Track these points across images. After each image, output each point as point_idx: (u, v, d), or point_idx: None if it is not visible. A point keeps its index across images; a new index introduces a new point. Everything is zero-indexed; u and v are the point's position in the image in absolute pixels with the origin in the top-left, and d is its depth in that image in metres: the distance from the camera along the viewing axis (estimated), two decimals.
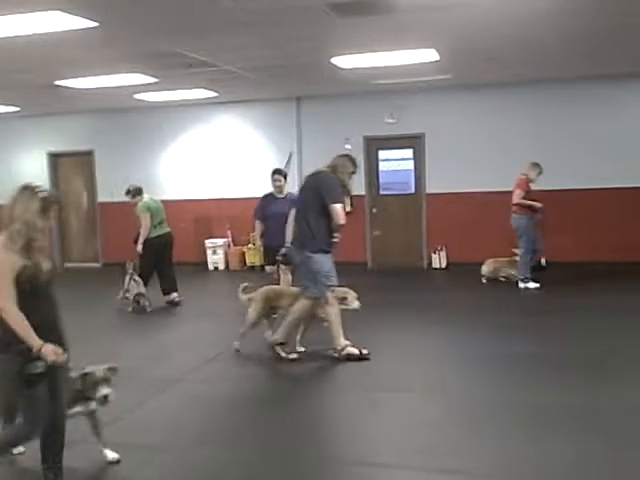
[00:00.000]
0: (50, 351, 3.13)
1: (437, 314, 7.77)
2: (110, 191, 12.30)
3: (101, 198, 12.89)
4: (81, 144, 12.84)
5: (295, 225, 6.00)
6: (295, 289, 6.30)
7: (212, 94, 10.59)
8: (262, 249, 8.01)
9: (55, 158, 13.18)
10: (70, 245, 13.45)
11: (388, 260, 11.35)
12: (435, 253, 11.23)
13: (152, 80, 8.86)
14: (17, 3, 4.92)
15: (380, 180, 11.65)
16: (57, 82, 8.79)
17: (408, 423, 4.50)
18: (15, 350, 3.11)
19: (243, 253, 11.83)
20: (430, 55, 7.77)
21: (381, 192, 11.65)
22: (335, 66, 8.22)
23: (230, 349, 6.40)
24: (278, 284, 7.58)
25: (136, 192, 8.94)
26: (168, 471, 3.87)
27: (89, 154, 12.84)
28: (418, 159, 11.34)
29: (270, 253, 7.73)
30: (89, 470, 3.87)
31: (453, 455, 3.91)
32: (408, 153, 11.48)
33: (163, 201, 12.25)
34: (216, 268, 12.01)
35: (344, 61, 7.97)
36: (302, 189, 5.95)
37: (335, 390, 5.32)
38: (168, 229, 9.03)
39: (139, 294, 8.54)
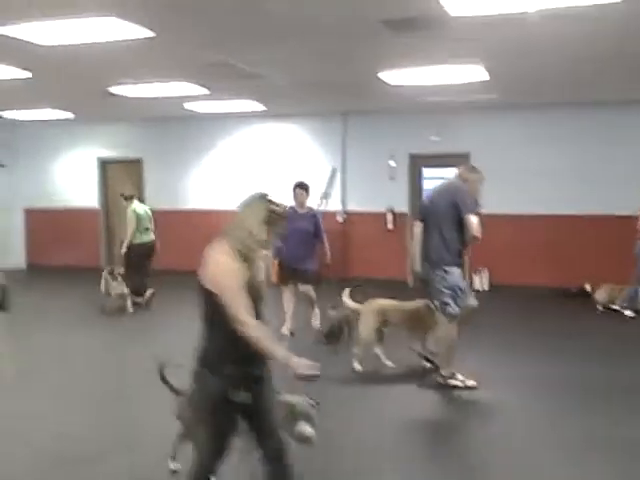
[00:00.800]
0: (303, 364, 2.80)
1: (485, 335, 7.64)
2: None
3: (148, 205, 13.13)
4: (131, 151, 13.13)
5: (424, 239, 5.69)
6: (408, 304, 6.08)
7: (260, 107, 10.73)
8: (278, 267, 7.67)
9: (105, 164, 13.50)
10: (116, 250, 13.68)
11: None
12: (477, 274, 11.10)
13: (203, 91, 9.02)
14: (74, 7, 5.05)
15: (423, 198, 11.59)
16: (110, 89, 9.02)
17: (481, 446, 4.47)
18: (225, 372, 2.88)
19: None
20: (479, 74, 7.74)
21: None
22: (382, 82, 8.25)
23: None
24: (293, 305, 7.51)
25: (128, 198, 9.44)
26: None
27: (138, 162, 13.11)
28: None
29: (287, 272, 7.49)
30: None
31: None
32: (453, 172, 11.40)
33: (209, 210, 12.53)
34: None
35: (392, 76, 7.98)
36: (431, 201, 5.71)
37: (396, 412, 5.27)
38: (152, 237, 9.44)
39: (122, 294, 8.92)
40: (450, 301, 5.45)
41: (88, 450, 4.40)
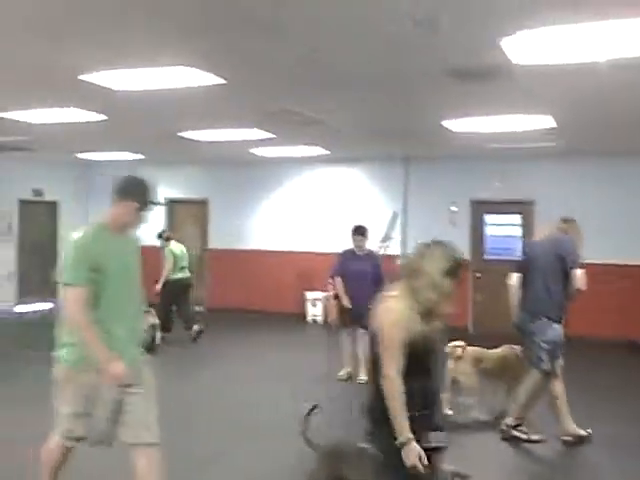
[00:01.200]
0: (414, 455, 2.66)
1: None
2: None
3: (211, 245, 13.42)
4: (197, 192, 13.50)
5: (522, 291, 5.60)
6: (496, 351, 6.06)
7: (323, 151, 10.90)
8: (339, 309, 7.61)
9: (172, 204, 13.89)
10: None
11: (490, 326, 11.04)
12: None
13: (269, 136, 9.24)
14: (154, 59, 5.32)
15: (485, 245, 11.47)
16: (180, 134, 9.34)
17: None
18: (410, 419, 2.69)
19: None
20: (545, 121, 7.69)
21: (486, 257, 11.45)
22: (446, 129, 8.28)
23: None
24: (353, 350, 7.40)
25: (166, 238, 10.24)
26: None
27: (203, 202, 13.46)
28: (527, 226, 11.10)
29: (349, 314, 7.34)
30: None
31: None
32: (516, 219, 11.27)
33: (272, 251, 12.74)
34: (315, 321, 12.10)
35: (456, 124, 8.02)
36: (533, 253, 5.64)
37: None
38: (189, 274, 10.20)
39: (154, 325, 9.31)
40: (545, 357, 5.32)
41: None
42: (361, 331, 7.37)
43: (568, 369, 7.93)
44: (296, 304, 12.34)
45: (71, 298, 3.37)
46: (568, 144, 9.52)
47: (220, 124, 8.58)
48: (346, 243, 7.52)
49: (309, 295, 12.21)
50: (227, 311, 12.63)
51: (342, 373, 7.43)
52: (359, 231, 7.51)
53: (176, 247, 10.13)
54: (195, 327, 9.90)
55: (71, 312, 3.39)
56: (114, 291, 3.46)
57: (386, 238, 11.70)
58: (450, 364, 5.98)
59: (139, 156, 12.23)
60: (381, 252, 10.77)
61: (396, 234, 11.81)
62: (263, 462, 4.91)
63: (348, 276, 7.38)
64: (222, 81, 6.01)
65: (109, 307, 3.44)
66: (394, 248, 11.73)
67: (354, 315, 7.35)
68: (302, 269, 12.47)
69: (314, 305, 12.16)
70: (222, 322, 11.86)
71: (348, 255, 7.52)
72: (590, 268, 10.33)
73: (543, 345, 5.30)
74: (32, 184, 13.22)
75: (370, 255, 7.59)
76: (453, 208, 11.40)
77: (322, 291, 12.14)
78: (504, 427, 5.52)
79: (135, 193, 3.68)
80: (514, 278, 5.70)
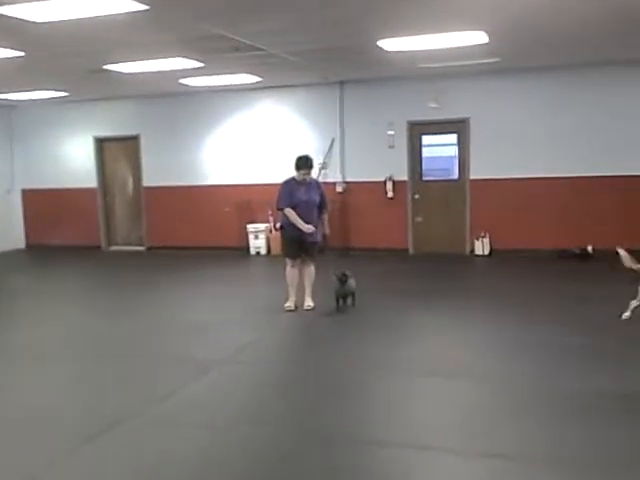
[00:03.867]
0: None
1: (481, 301, 7.70)
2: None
3: (146, 182, 13.08)
4: (127, 129, 13.02)
5: None
6: None
7: (256, 79, 10.63)
8: (284, 240, 7.55)
9: (101, 143, 13.39)
10: (115, 229, 13.67)
11: (430, 246, 11.28)
12: (478, 240, 11.11)
13: (198, 65, 8.92)
14: None
15: (423, 166, 11.55)
16: (105, 66, 8.91)
17: (450, 407, 4.48)
18: None
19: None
20: (479, 37, 7.65)
21: (424, 178, 11.56)
22: (381, 49, 8.16)
23: (268, 334, 6.42)
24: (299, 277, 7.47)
25: None
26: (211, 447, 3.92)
27: (135, 139, 13.01)
28: (462, 144, 11.20)
29: (294, 244, 7.32)
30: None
31: (495, 439, 3.88)
32: (452, 138, 11.35)
33: (207, 185, 12.52)
34: (258, 253, 12.09)
35: (391, 44, 7.90)
36: None
37: (378, 373, 5.31)
38: None
39: None
40: None
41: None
42: (308, 260, 7.46)
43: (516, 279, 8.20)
44: (238, 238, 12.25)
45: None
46: (503, 61, 9.54)
47: (146, 54, 8.20)
48: (285, 173, 7.37)
49: (251, 227, 12.13)
50: (168, 249, 12.48)
51: (289, 304, 7.44)
52: (307, 164, 7.24)
53: None
54: None
55: None
56: None
57: (324, 165, 11.66)
58: None
59: (63, 94, 11.66)
60: (320, 179, 10.75)
61: (334, 160, 11.76)
62: (214, 393, 4.93)
63: (298, 206, 7.25)
64: (145, 7, 5.72)
65: None
66: (333, 174, 11.71)
67: (303, 245, 7.31)
68: (241, 202, 12.33)
69: (256, 237, 12.11)
70: (163, 260, 11.74)
71: (294, 185, 7.27)
72: (524, 183, 10.68)
73: None
74: None
75: (316, 184, 7.51)
76: (390, 132, 11.37)
77: (263, 223, 12.10)
78: None
79: None
80: None
